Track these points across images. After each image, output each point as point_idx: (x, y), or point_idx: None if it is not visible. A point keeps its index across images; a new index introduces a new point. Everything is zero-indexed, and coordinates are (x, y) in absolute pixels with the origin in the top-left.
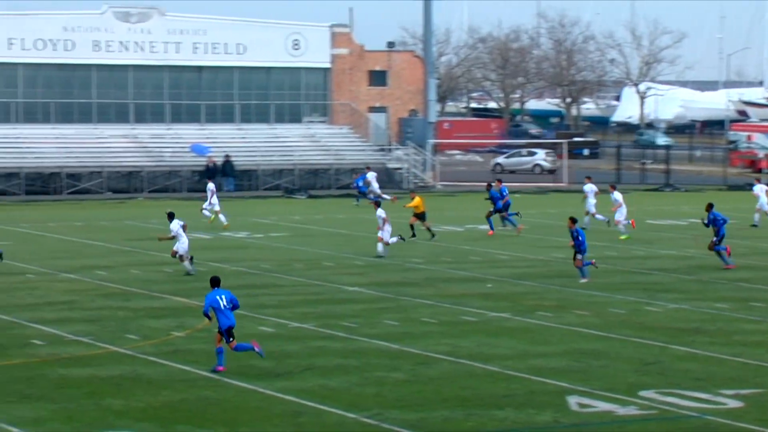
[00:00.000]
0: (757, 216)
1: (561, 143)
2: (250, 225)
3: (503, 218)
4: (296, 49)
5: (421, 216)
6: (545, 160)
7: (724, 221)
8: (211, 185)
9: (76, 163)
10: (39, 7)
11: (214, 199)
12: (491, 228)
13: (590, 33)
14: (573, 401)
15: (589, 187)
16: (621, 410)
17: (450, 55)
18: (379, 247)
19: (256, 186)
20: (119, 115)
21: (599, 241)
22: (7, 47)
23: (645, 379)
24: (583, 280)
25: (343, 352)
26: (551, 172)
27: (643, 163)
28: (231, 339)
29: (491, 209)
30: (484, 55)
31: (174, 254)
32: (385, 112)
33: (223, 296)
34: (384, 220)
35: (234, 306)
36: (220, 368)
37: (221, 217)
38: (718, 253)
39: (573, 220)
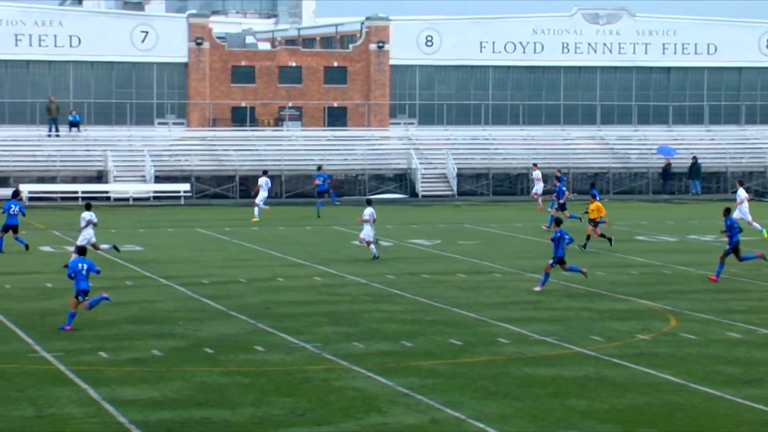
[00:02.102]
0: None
1: None
2: (717, 228)
3: None
4: None
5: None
6: None
7: (740, 230)
8: (263, 179)
9: (543, 164)
10: (509, 10)
11: (263, 194)
12: None
13: None
14: None
15: None
16: None
17: None
18: None
19: (724, 188)
20: (586, 117)
21: None
22: (478, 50)
23: None
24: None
25: None
26: None
27: None
28: (83, 299)
29: None
30: None
31: (360, 240)
32: None
33: (84, 264)
34: None
35: (90, 271)
36: (67, 328)
37: (255, 210)
38: (742, 259)
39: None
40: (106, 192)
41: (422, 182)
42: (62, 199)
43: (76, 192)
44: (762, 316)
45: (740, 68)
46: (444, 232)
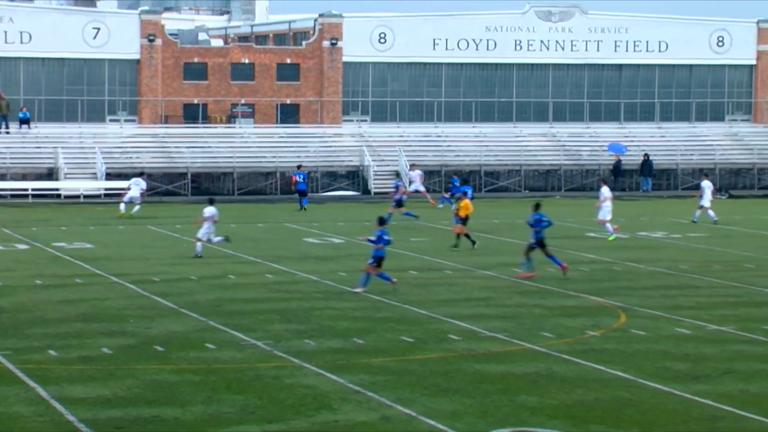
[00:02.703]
0: (698, 212)
1: None
2: (667, 225)
3: None
4: (720, 45)
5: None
6: None
7: (549, 224)
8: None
9: (495, 161)
10: (462, 7)
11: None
12: None
13: None
14: None
15: None
16: None
17: None
18: None
19: (675, 185)
20: (538, 114)
21: None
22: (431, 47)
23: None
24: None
25: (764, 356)
26: None
27: None
28: None
29: None
30: None
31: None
32: None
33: None
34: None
35: None
36: None
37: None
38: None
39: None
40: (57, 189)
41: (375, 179)
42: (12, 196)
43: (26, 189)
44: (710, 312)
45: (691, 66)
46: (396, 229)
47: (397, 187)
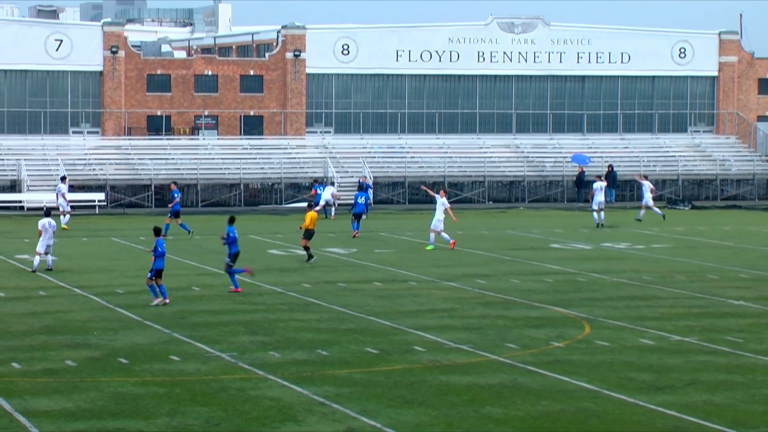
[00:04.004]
0: (642, 212)
1: None
2: (631, 236)
3: None
4: (682, 57)
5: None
6: None
7: (235, 239)
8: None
9: (459, 173)
10: (425, 19)
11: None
12: None
13: None
14: None
15: None
16: None
17: None
18: None
19: (638, 196)
20: (501, 125)
21: None
22: (395, 59)
23: None
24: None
25: (728, 367)
26: None
27: None
28: None
29: None
30: None
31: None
32: None
33: None
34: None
35: None
36: None
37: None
38: (230, 274)
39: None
40: (20, 201)
41: (338, 191)
42: None
43: None
44: (674, 323)
45: (653, 77)
46: (360, 240)
47: (316, 191)
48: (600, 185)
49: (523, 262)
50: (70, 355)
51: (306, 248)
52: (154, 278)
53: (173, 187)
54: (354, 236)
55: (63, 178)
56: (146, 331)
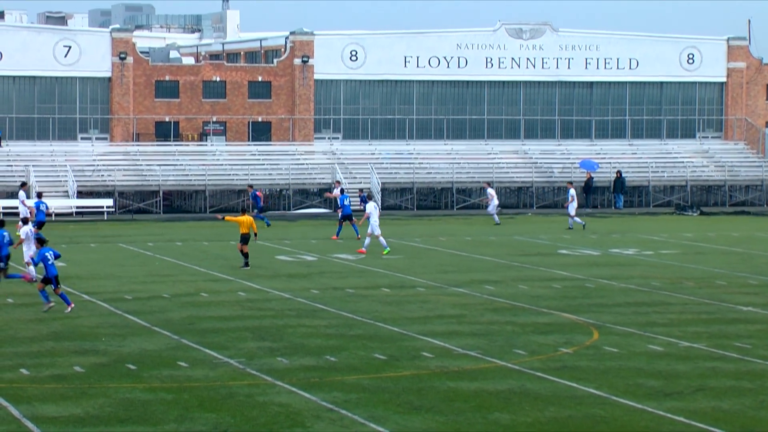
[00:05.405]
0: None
1: None
2: (639, 242)
3: None
4: (690, 63)
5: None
6: None
7: (11, 242)
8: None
9: (467, 179)
10: (433, 25)
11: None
12: None
13: None
14: None
15: None
16: None
17: None
18: None
19: (646, 202)
20: (509, 131)
21: None
22: (403, 65)
23: None
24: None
25: (737, 373)
26: None
27: None
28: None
29: None
30: None
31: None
32: None
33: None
34: None
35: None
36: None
37: None
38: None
39: None
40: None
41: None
42: None
43: None
44: (682, 329)
45: (662, 83)
46: (368, 246)
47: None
48: (572, 193)
49: (532, 268)
50: (78, 361)
51: (244, 253)
52: (47, 284)
53: (250, 189)
54: (334, 238)
55: (23, 185)
56: (154, 337)
